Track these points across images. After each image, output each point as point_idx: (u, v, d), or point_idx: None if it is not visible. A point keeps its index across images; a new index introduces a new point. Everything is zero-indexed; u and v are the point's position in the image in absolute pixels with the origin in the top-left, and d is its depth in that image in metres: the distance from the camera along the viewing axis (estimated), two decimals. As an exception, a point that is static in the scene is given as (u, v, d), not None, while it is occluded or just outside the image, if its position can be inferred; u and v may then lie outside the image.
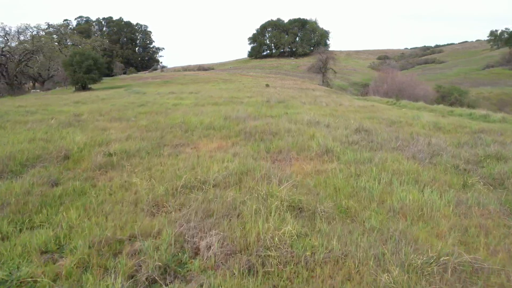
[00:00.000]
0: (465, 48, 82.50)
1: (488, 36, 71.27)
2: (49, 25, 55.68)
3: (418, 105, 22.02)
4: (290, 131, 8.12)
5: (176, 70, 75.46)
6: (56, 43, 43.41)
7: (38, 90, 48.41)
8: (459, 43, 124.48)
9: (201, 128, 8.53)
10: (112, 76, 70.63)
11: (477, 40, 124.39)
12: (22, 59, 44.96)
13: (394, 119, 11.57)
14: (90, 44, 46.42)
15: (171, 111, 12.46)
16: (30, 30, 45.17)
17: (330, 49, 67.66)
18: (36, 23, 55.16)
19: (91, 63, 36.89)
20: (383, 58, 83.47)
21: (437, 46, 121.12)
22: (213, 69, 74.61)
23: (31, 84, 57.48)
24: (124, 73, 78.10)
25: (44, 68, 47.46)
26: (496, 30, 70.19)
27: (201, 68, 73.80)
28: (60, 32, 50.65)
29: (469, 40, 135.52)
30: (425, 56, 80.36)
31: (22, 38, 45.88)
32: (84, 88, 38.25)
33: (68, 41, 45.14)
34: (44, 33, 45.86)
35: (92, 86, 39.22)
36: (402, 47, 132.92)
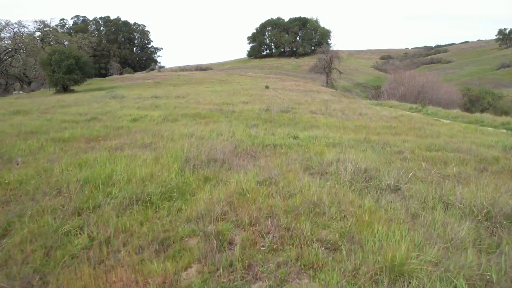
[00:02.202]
0: (471, 48, 77.21)
1: (496, 35, 66.09)
2: (44, 24, 50.86)
3: (453, 113, 17.08)
4: (321, 215, 3.22)
5: (173, 70, 70.54)
6: (39, 41, 38.34)
7: (21, 92, 43.52)
8: (460, 43, 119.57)
9: (117, 200, 3.62)
10: (109, 76, 65.79)
11: (479, 40, 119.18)
12: (3, 58, 40.03)
13: (478, 152, 6.65)
14: (76, 42, 41.39)
15: (115, 135, 7.57)
16: (11, 27, 40.15)
17: (331, 48, 62.50)
18: (17, 20, 49.53)
19: (72, 62, 31.91)
20: (386, 58, 78.16)
21: (438, 46, 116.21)
22: (211, 69, 69.67)
23: (18, 85, 52.61)
24: (121, 73, 73.19)
25: (30, 68, 42.49)
26: (505, 29, 65.07)
27: (199, 68, 68.87)
28: (53, 30, 45.55)
29: (470, 40, 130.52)
30: (430, 55, 75.11)
31: (3, 35, 40.88)
32: (65, 90, 33.33)
33: (51, 39, 40.02)
34: (28, 31, 40.83)
35: (75, 87, 34.33)
36: (403, 47, 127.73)
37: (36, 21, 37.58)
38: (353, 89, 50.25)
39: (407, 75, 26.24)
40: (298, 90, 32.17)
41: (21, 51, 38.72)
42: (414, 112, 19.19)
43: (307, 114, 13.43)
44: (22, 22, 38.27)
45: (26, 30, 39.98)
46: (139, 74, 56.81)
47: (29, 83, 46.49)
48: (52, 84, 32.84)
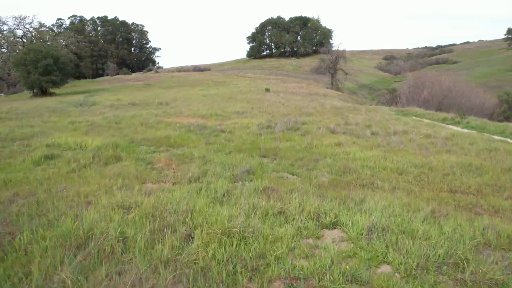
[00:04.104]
0: (477, 48, 72.46)
1: (505, 34, 61.43)
2: (40, 24, 46.53)
3: (510, 128, 12.63)
4: None
5: (170, 71, 66.18)
6: (20, 39, 33.88)
7: (3, 94, 39.13)
8: (461, 44, 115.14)
9: None
10: (104, 77, 61.49)
11: (480, 40, 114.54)
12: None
13: None
14: (62, 41, 36.89)
15: None
16: (-10, 23, 35.65)
17: (334, 48, 58.12)
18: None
19: (50, 62, 27.45)
20: (389, 58, 73.42)
21: (439, 46, 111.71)
22: (209, 69, 65.22)
23: (5, 86, 48.04)
24: (117, 74, 68.85)
25: (10, 68, 37.95)
26: (514, 28, 60.41)
27: (197, 68, 64.37)
28: (45, 30, 40.84)
29: (471, 40, 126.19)
30: (435, 56, 70.37)
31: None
32: (44, 93, 28.89)
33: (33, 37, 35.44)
34: (8, 28, 36.28)
35: (55, 90, 29.81)
36: (403, 47, 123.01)
37: (15, 18, 33.09)
38: (359, 91, 45.82)
39: (430, 76, 21.72)
40: (302, 94, 27.76)
41: (1, 49, 34.27)
42: (450, 124, 14.82)
43: (327, 136, 9.05)
44: (2, 19, 33.77)
45: (6, 27, 35.48)
46: (133, 75, 52.45)
47: (14, 85, 41.98)
48: (27, 86, 28.40)
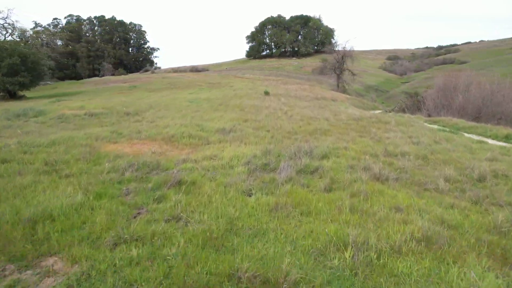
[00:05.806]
0: (485, 47, 67.57)
1: (516, 33, 56.60)
2: (36, 24, 41.96)
3: None
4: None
5: (167, 71, 61.66)
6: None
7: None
8: (462, 44, 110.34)
9: None
10: (97, 77, 57.05)
11: (481, 41, 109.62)
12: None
13: None
14: (39, 39, 32.22)
15: None
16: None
17: (336, 48, 53.33)
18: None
19: (17, 61, 22.90)
20: (393, 58, 68.61)
21: (440, 47, 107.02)
22: (207, 70, 60.62)
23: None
24: (112, 74, 64.36)
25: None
26: (525, 26, 55.43)
27: (194, 69, 59.77)
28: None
29: (472, 40, 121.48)
30: (440, 55, 65.50)
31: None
32: (12, 96, 24.37)
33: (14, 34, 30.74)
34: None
35: (26, 93, 25.31)
36: (405, 47, 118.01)
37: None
38: (365, 93, 41.13)
39: (464, 78, 17.13)
40: (307, 98, 23.15)
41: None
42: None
43: (376, 197, 4.45)
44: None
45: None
46: (123, 77, 47.90)
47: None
48: (-10, 89, 23.91)
